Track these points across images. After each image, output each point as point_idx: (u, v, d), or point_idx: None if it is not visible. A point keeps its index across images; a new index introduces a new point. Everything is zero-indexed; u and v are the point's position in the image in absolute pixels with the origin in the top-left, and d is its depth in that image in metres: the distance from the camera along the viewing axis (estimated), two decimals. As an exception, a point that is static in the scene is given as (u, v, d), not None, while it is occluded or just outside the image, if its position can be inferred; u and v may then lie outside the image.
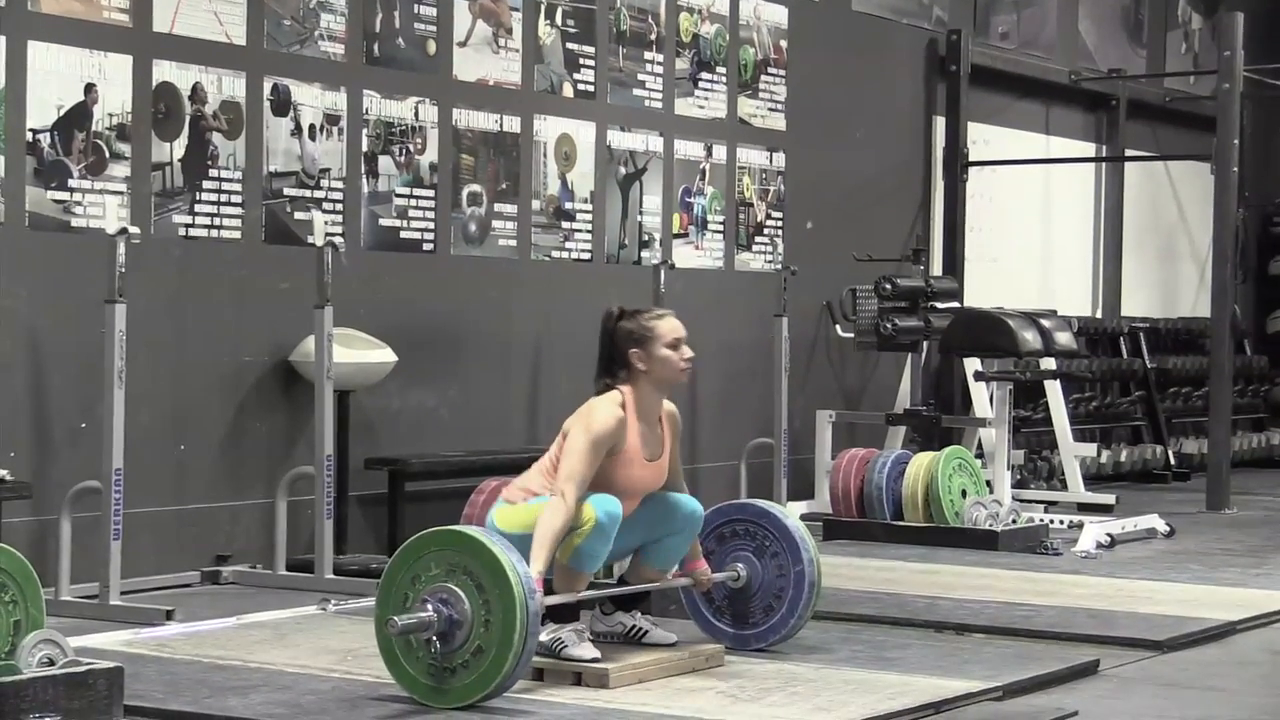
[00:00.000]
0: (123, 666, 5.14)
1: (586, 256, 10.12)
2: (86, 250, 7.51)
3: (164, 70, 8.02)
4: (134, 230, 7.20)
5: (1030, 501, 11.09)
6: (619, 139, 10.32)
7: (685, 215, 10.81)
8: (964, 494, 9.66)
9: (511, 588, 5.31)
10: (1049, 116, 14.13)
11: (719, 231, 11.05)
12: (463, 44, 9.38)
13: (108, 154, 7.79)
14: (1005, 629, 6.98)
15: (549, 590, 5.72)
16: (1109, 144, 14.69)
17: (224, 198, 8.26)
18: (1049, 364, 11.62)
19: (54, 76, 7.60)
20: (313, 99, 8.63)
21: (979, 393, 11.45)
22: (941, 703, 5.63)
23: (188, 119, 8.11)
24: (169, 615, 6.97)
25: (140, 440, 7.55)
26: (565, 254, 9.99)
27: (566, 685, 5.70)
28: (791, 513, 6.62)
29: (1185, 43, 15.70)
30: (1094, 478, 12.66)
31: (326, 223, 8.13)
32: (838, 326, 11.57)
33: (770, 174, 11.42)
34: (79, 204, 7.68)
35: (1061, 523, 10.29)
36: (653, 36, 10.53)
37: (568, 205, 10.00)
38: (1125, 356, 14.23)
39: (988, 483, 10.13)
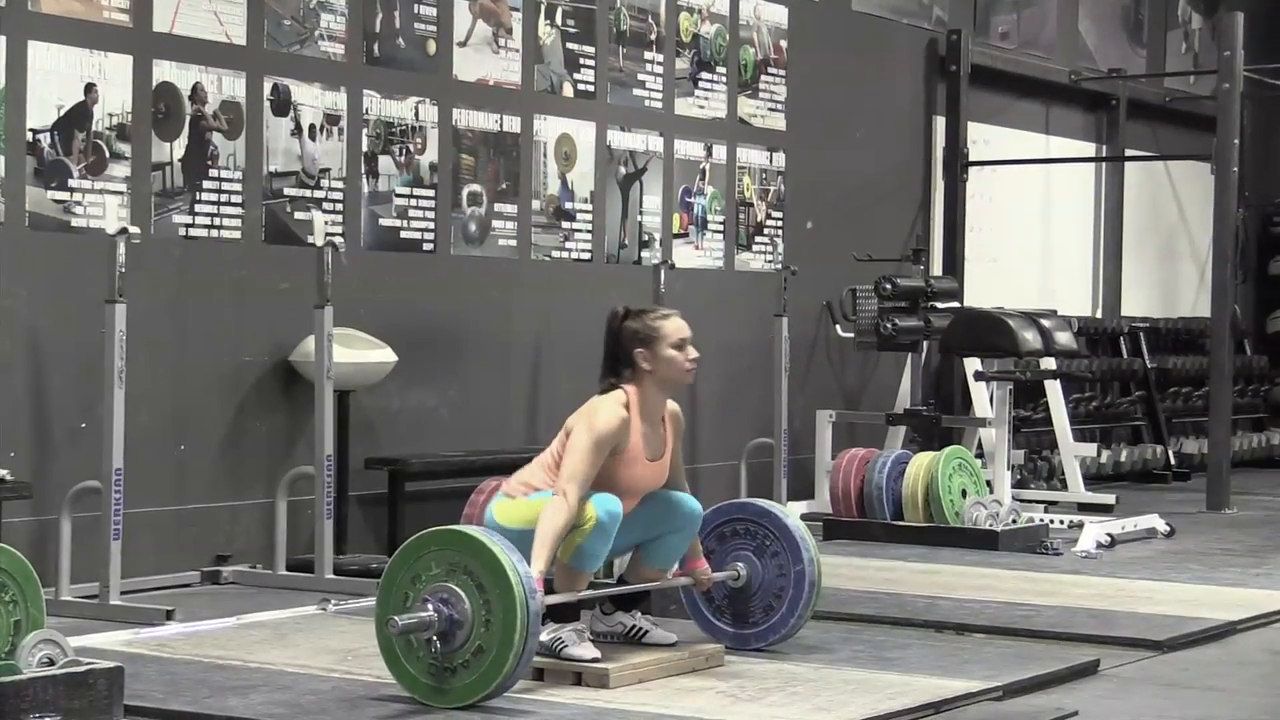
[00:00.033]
0: (123, 666, 5.14)
1: (586, 256, 10.12)
2: (86, 250, 7.51)
3: (164, 70, 8.02)
4: (134, 230, 7.20)
5: (1030, 501, 11.09)
6: (619, 139, 10.32)
7: (685, 215, 10.81)
8: (964, 494, 9.66)
9: (512, 588, 5.31)
10: (1049, 116, 14.13)
11: (719, 231, 11.05)
12: (463, 44, 9.38)
13: (108, 154, 7.79)
14: (1005, 629, 6.98)
15: (549, 589, 5.73)
16: (1109, 144, 14.69)
17: (224, 198, 8.26)
18: (1049, 364, 11.62)
19: (54, 76, 7.60)
20: (313, 99, 8.64)
21: (979, 393, 11.45)
22: (941, 703, 5.63)
23: (188, 119, 8.11)
24: (169, 615, 6.97)
25: (140, 440, 7.55)
26: (565, 254, 9.99)
27: (567, 685, 5.70)
28: (792, 512, 6.62)
29: (1185, 42, 15.70)
30: (1094, 478, 12.66)
31: (326, 223, 8.13)
32: (838, 326, 11.57)
33: (770, 174, 11.42)
34: (79, 204, 7.68)
35: (1061, 523, 10.29)
36: (653, 36, 10.53)
37: (568, 205, 10.00)
38: (1125, 356, 14.23)
39: (988, 483, 10.13)
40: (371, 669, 5.83)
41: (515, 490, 5.97)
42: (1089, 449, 12.31)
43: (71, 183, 7.66)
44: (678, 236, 10.74)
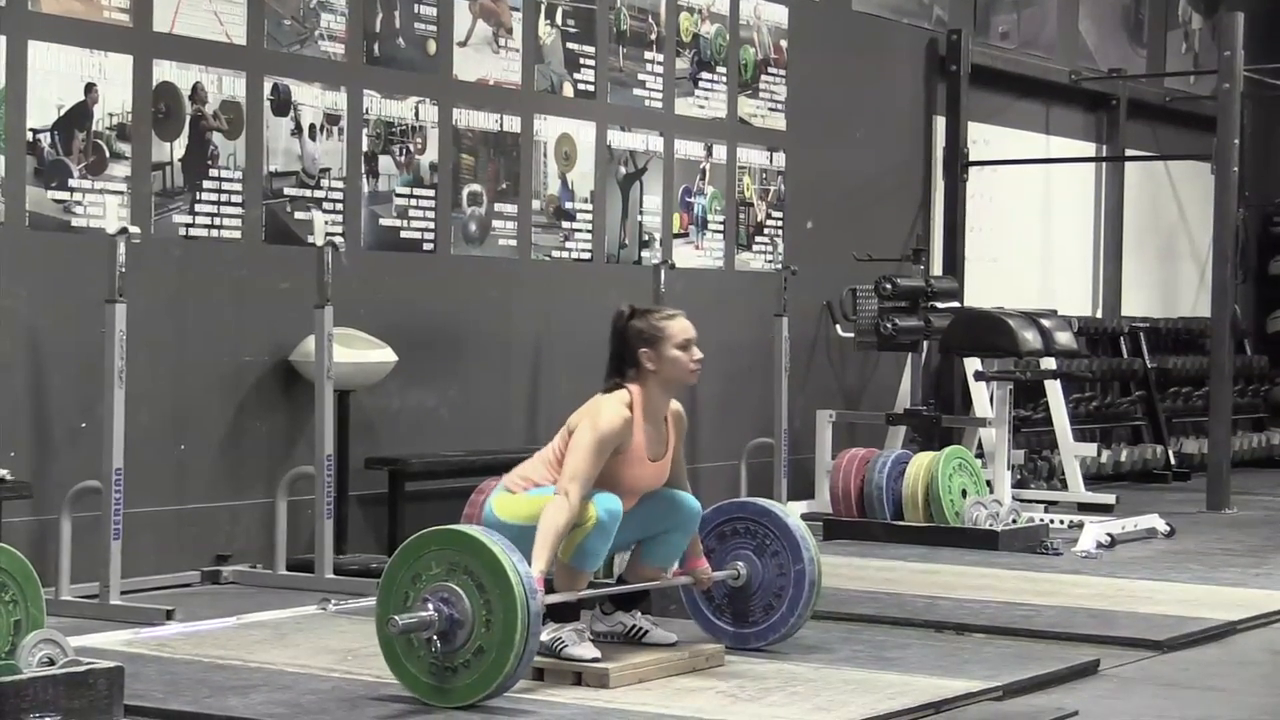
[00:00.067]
0: (123, 666, 5.14)
1: (587, 256, 10.12)
2: (87, 250, 7.51)
3: (164, 70, 8.02)
4: (134, 230, 7.20)
5: (1030, 501, 11.09)
6: (619, 139, 10.32)
7: (685, 215, 10.81)
8: (964, 494, 9.66)
9: (512, 588, 5.31)
10: (1049, 116, 14.13)
11: (719, 231, 11.05)
12: (463, 44, 9.38)
13: (108, 154, 7.79)
14: (1005, 629, 6.98)
15: (550, 589, 5.73)
16: (1109, 144, 14.69)
17: (224, 197, 8.26)
18: (1049, 364, 11.62)
19: (54, 76, 7.60)
20: (313, 99, 8.64)
21: (979, 392, 11.45)
22: (941, 703, 5.63)
23: (188, 119, 8.11)
24: (169, 615, 6.97)
25: (140, 440, 7.55)
26: (565, 254, 9.99)
27: (567, 685, 5.70)
28: (792, 512, 6.62)
29: (1185, 42, 15.70)
30: (1094, 477, 12.66)
31: (327, 222, 8.13)
32: (838, 326, 11.57)
33: (770, 174, 11.42)
34: (79, 204, 7.68)
35: (1062, 522, 10.29)
36: (653, 36, 10.53)
37: (568, 205, 10.00)
38: (1125, 356, 14.23)
39: (988, 482, 10.13)
40: (372, 669, 5.83)
41: (516, 485, 5.98)
42: (1089, 449, 12.31)
43: (72, 182, 7.66)
44: (678, 236, 10.74)
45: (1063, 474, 11.96)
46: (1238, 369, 14.54)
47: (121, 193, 7.80)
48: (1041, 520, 9.98)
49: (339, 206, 8.74)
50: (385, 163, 8.98)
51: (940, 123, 12.80)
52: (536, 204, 9.80)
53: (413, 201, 9.12)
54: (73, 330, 7.61)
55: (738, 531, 6.44)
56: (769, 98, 11.37)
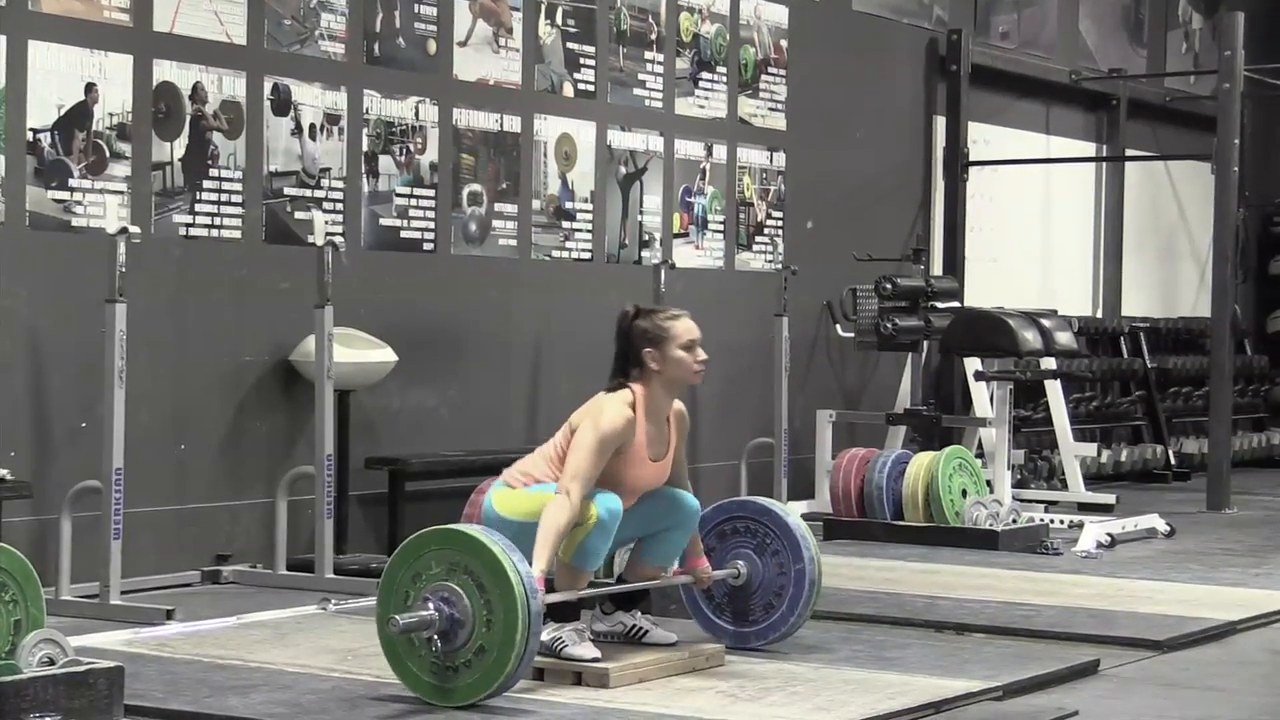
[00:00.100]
0: (123, 666, 5.14)
1: (587, 256, 10.13)
2: (87, 250, 7.51)
3: (164, 70, 8.02)
4: (134, 230, 7.20)
5: (1030, 501, 11.09)
6: (619, 139, 10.32)
7: (685, 215, 10.81)
8: (964, 494, 9.66)
9: (513, 588, 5.32)
10: (1049, 116, 14.13)
11: (719, 231, 11.05)
12: (463, 44, 9.39)
13: (108, 153, 7.79)
14: (1005, 629, 6.98)
15: (550, 588, 5.73)
16: (1109, 144, 14.69)
17: (224, 197, 8.26)
18: (1049, 364, 11.62)
19: (54, 76, 7.60)
20: (313, 99, 8.64)
21: (979, 392, 11.45)
22: (941, 703, 5.63)
23: (188, 118, 8.11)
24: (169, 615, 6.97)
25: (140, 440, 7.55)
26: (565, 254, 9.99)
27: (567, 685, 5.70)
28: (792, 512, 6.62)
29: (1186, 42, 15.70)
30: (1094, 477, 12.66)
31: (327, 222, 8.13)
32: (838, 326, 11.57)
33: (770, 174, 11.42)
34: (79, 203, 7.68)
35: (1062, 522, 10.29)
36: (653, 36, 10.53)
37: (568, 205, 10.00)
38: (1125, 356, 14.23)
39: (988, 482, 10.13)
40: (372, 668, 5.83)
41: (516, 480, 5.98)
42: (1089, 449, 12.31)
43: (72, 182, 7.66)
44: (678, 236, 10.74)
45: (1063, 474, 11.96)
46: (1238, 369, 14.55)
47: (122, 192, 7.80)
48: (1041, 520, 9.98)
49: (339, 206, 8.74)
50: (385, 162, 8.98)
51: (940, 123, 12.80)
52: (537, 204, 9.80)
53: (413, 201, 9.12)
54: (73, 330, 7.61)
55: (738, 530, 6.44)
56: (769, 98, 11.37)
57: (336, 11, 8.73)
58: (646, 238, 10.49)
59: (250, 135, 8.35)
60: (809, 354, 11.63)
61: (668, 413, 6.09)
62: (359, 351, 8.49)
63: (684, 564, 6.29)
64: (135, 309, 7.26)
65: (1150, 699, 5.94)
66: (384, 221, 8.99)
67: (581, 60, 10.05)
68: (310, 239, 8.10)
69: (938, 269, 12.43)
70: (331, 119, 8.72)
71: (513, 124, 9.65)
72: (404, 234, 9.09)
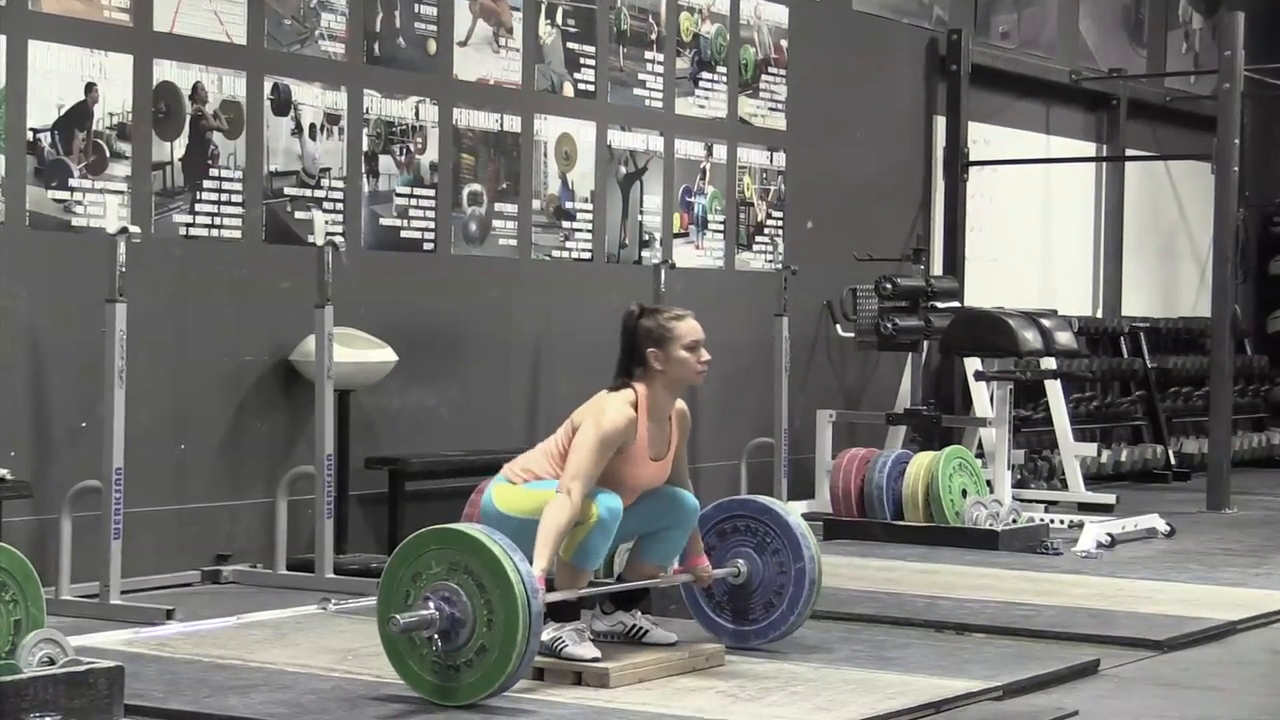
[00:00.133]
0: (123, 666, 5.14)
1: (587, 256, 10.13)
2: (87, 250, 7.51)
3: (164, 70, 8.02)
4: (134, 230, 7.20)
5: (1030, 501, 11.09)
6: (619, 138, 10.32)
7: (685, 215, 10.81)
8: (964, 494, 9.66)
9: (513, 587, 5.32)
10: (1049, 116, 14.13)
11: (719, 231, 11.05)
12: (463, 43, 9.38)
13: (108, 153, 7.79)
14: (1005, 629, 6.98)
15: (550, 588, 5.73)
16: (1109, 144, 14.69)
17: (224, 197, 8.26)
18: (1049, 364, 11.62)
19: (54, 76, 7.60)
20: (313, 98, 8.64)
21: (979, 392, 11.45)
22: (941, 702, 5.63)
23: (188, 118, 8.11)
24: (169, 615, 6.97)
25: (140, 440, 7.55)
26: (565, 254, 9.99)
27: (567, 685, 5.70)
28: (792, 511, 6.62)
29: (1186, 42, 15.70)
30: (1094, 477, 12.66)
31: (327, 222, 8.13)
32: (838, 326, 11.57)
33: (770, 173, 11.42)
34: (79, 203, 7.68)
35: (1062, 522, 10.29)
36: (653, 36, 10.53)
37: (568, 205, 10.00)
38: (1125, 356, 14.23)
39: (988, 482, 10.13)
40: (372, 668, 5.83)
41: (516, 476, 5.98)
42: (1089, 449, 12.31)
43: (72, 182, 7.66)
44: (678, 236, 10.74)
45: (1063, 474, 11.96)
46: (1238, 369, 14.55)
47: (122, 192, 7.80)
48: (1041, 520, 9.98)
49: (339, 206, 8.74)
50: (385, 162, 8.98)
51: (940, 122, 12.80)
52: (537, 204, 9.80)
53: (413, 201, 9.12)
54: (73, 330, 7.61)
55: (738, 529, 6.44)
56: (769, 97, 11.37)
57: (336, 11, 8.73)
58: (647, 238, 10.49)
59: (250, 135, 8.35)
60: (809, 354, 11.63)
61: (670, 412, 6.09)
62: (359, 351, 8.49)
63: (684, 562, 6.29)
64: (135, 309, 7.26)
65: (1150, 699, 5.94)
66: (384, 221, 8.99)
67: (581, 60, 10.05)
68: (310, 239, 8.10)
69: (938, 269, 12.43)
70: (331, 119, 8.72)
71: (513, 124, 9.65)
72: (404, 234, 9.09)
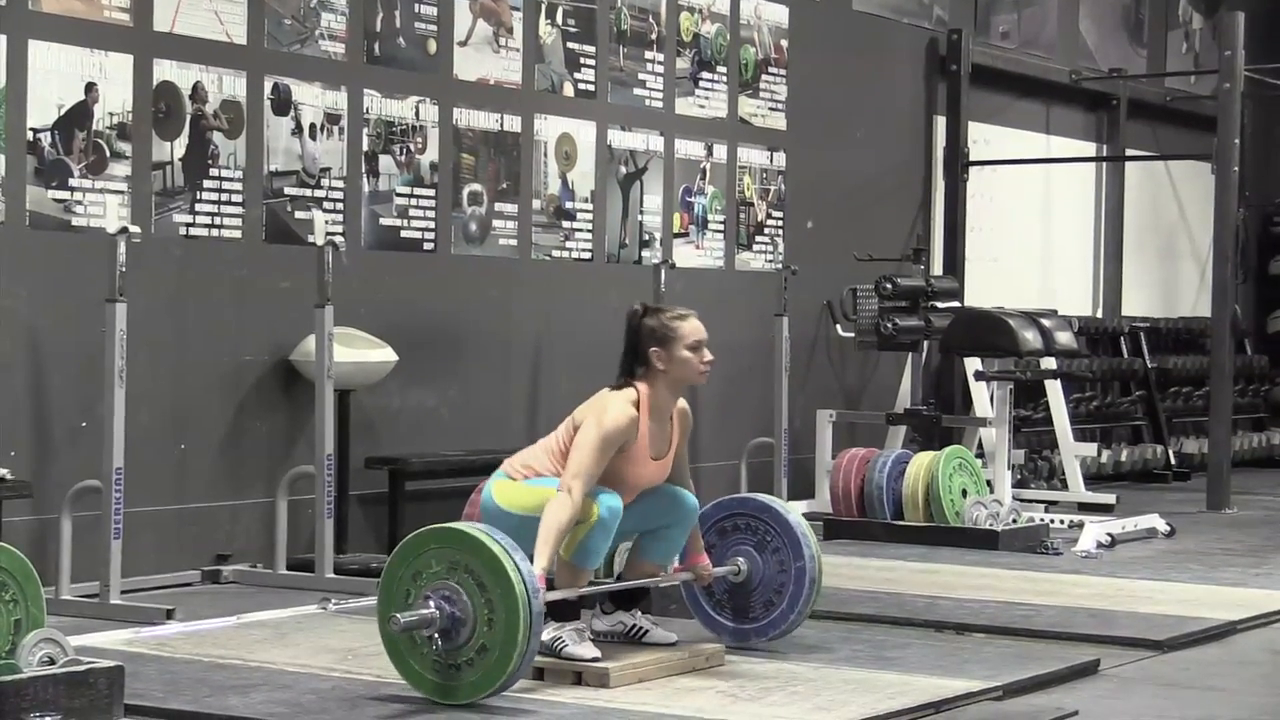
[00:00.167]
0: (123, 665, 5.14)
1: (587, 256, 10.12)
2: (87, 249, 7.51)
3: (164, 69, 8.02)
4: (134, 229, 7.20)
5: (1031, 501, 11.09)
6: (619, 138, 10.32)
7: (686, 215, 10.81)
8: (964, 493, 9.66)
9: (514, 587, 5.32)
10: (1049, 116, 14.13)
11: (719, 231, 11.05)
12: (463, 43, 9.38)
13: (108, 153, 7.79)
14: (1005, 629, 6.98)
15: (550, 587, 5.73)
16: (1109, 144, 14.69)
17: (224, 197, 8.26)
18: (1049, 364, 11.62)
19: (55, 75, 7.60)
20: (313, 98, 8.64)
21: (979, 392, 11.45)
22: (941, 702, 5.63)
23: (188, 118, 8.11)
24: (169, 614, 6.97)
25: (140, 439, 7.55)
26: (566, 253, 9.99)
27: (567, 685, 5.70)
28: (793, 509, 6.62)
29: (1186, 42, 15.70)
30: (1094, 477, 12.66)
31: (327, 222, 8.13)
32: (838, 326, 11.57)
33: (771, 173, 11.42)
34: (79, 203, 7.68)
35: (1062, 522, 10.29)
36: (653, 36, 10.53)
37: (568, 205, 10.00)
38: (1126, 356, 14.23)
39: (988, 482, 10.13)
40: (372, 668, 5.83)
41: (516, 472, 5.99)
42: (1089, 449, 12.31)
43: (72, 182, 7.66)
44: (678, 236, 10.74)
45: (1063, 474, 11.96)
46: (1238, 369, 14.54)
47: (122, 192, 7.80)
48: (1042, 520, 9.98)
49: (339, 206, 8.74)
50: (385, 162, 8.98)
51: (940, 122, 12.80)
52: (537, 204, 9.80)
53: (413, 201, 9.12)
54: (73, 330, 7.61)
55: (738, 527, 6.45)
56: (769, 97, 11.37)
57: (336, 11, 8.73)
58: (647, 237, 10.49)
59: (250, 135, 8.35)
60: (809, 354, 11.63)
61: (671, 411, 6.10)
62: (359, 351, 8.49)
63: (684, 561, 6.30)
64: (135, 309, 7.26)
65: (1150, 699, 5.94)
66: (384, 221, 8.99)
67: (582, 60, 10.05)
68: (310, 239, 8.10)
69: (938, 269, 12.43)
70: (332, 119, 8.72)
71: (513, 124, 9.65)
72: (404, 234, 9.09)
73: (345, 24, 8.77)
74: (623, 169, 10.36)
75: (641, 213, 10.47)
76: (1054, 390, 12.03)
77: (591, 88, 10.12)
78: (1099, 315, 14.55)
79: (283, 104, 8.51)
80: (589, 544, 5.82)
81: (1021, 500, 10.79)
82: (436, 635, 5.36)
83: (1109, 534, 9.58)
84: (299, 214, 8.53)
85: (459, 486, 8.27)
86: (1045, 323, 10.66)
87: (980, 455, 10.85)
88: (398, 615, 5.37)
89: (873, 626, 7.03)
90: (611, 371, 6.10)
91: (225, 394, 8.31)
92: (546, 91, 9.84)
